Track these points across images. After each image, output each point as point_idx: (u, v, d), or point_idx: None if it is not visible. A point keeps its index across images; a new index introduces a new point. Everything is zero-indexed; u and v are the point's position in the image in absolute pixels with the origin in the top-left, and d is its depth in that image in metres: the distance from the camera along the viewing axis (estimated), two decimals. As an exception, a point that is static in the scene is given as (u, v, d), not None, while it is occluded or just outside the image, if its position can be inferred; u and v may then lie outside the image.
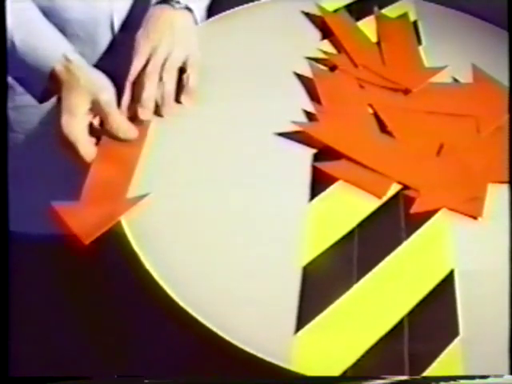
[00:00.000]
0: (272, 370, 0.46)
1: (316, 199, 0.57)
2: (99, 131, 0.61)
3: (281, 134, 0.62)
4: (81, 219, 0.54)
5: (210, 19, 0.77)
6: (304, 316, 0.49)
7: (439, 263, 0.53)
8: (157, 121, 0.62)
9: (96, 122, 0.61)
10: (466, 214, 0.57)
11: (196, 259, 0.53)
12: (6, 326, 0.53)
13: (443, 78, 0.71)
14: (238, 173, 0.59)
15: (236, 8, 0.79)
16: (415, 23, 0.80)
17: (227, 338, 0.47)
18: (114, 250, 0.55)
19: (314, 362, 0.47)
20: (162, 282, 0.50)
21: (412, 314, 0.50)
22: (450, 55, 0.74)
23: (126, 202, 0.56)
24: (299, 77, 0.69)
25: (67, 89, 0.60)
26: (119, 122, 0.60)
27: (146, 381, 0.46)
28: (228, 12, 0.78)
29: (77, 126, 0.59)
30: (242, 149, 0.61)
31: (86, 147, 0.59)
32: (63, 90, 0.61)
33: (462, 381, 0.48)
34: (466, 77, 0.71)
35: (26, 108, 0.73)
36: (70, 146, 0.59)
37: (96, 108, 0.60)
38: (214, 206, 0.56)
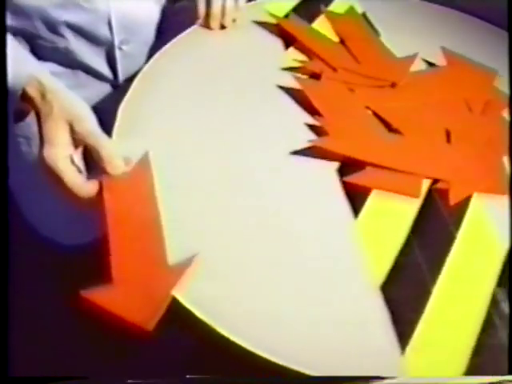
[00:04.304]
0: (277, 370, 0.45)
1: (361, 214, 0.56)
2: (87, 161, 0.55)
3: (296, 153, 0.61)
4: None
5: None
6: (403, 335, 0.48)
7: (496, 246, 0.55)
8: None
9: (79, 152, 0.55)
10: (494, 193, 0.59)
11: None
12: (6, 325, 0.52)
13: (417, 65, 0.73)
14: (277, 200, 0.57)
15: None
16: (364, 16, 0.81)
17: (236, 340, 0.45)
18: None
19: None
20: None
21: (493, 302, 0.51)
22: (409, 42, 0.76)
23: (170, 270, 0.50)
24: (287, 90, 0.67)
25: (43, 116, 0.54)
26: (109, 155, 0.54)
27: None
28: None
29: (59, 156, 0.53)
30: (264, 173, 0.59)
31: (74, 178, 0.53)
32: (40, 118, 0.55)
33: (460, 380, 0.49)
34: (438, 60, 0.73)
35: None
36: (57, 179, 0.53)
37: (78, 138, 0.54)
38: (263, 230, 0.54)
